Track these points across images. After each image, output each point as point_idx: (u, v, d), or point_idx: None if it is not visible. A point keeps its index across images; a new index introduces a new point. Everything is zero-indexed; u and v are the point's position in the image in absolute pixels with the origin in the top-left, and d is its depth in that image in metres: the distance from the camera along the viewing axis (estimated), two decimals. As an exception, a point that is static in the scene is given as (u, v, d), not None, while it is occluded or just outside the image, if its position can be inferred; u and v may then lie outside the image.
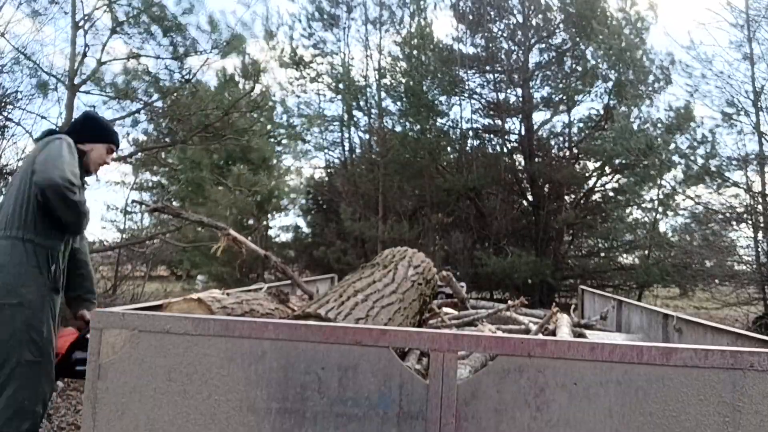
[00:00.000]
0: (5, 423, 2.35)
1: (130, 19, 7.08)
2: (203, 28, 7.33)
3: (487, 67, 15.08)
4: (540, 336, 2.83)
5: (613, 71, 12.78)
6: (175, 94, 7.75)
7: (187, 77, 7.61)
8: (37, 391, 2.43)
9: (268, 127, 14.54)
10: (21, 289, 2.41)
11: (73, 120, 2.91)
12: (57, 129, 2.87)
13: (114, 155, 2.98)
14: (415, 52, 14.40)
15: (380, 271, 2.75)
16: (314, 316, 2.10)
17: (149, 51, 7.43)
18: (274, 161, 15.02)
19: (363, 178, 15.10)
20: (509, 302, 3.56)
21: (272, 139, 14.88)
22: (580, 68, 13.55)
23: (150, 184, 16.29)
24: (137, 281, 11.01)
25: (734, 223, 10.40)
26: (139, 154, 8.97)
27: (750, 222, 9.95)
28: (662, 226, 12.68)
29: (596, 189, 14.73)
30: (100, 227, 20.09)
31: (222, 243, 3.22)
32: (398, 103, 14.90)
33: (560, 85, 14.49)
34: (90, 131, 2.84)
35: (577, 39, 13.53)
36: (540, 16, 14.70)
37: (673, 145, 11.14)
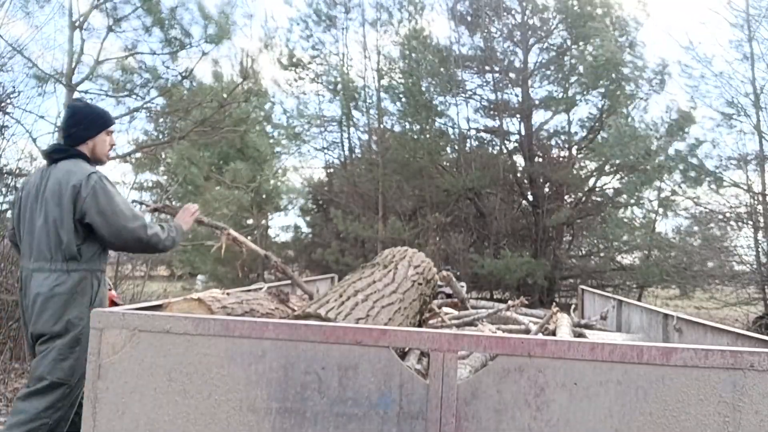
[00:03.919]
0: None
1: (125, 17, 7.13)
2: (196, 20, 7.43)
3: (486, 67, 15.07)
4: (540, 336, 2.83)
5: (609, 71, 12.78)
6: (170, 93, 7.78)
7: (183, 73, 7.64)
8: (65, 416, 2.51)
9: (268, 127, 14.56)
10: (66, 317, 2.51)
11: (62, 120, 2.84)
12: (62, 146, 2.80)
13: (114, 134, 2.96)
14: (413, 53, 14.40)
15: (380, 271, 2.75)
16: (314, 315, 2.10)
17: (145, 47, 7.49)
18: (274, 161, 15.01)
19: (362, 179, 15.11)
20: (509, 302, 3.56)
21: (271, 140, 14.88)
22: (579, 68, 13.55)
23: (150, 183, 16.28)
24: (137, 281, 10.99)
25: (734, 223, 10.41)
26: (138, 153, 8.98)
27: (750, 222, 9.95)
28: (662, 227, 12.70)
29: (596, 189, 14.74)
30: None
31: (222, 242, 3.21)
32: (397, 104, 14.89)
33: (559, 85, 14.50)
34: (85, 127, 2.77)
35: (576, 39, 13.53)
36: (538, 16, 14.70)
37: (672, 149, 11.14)
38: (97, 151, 2.80)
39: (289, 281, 3.61)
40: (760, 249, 9.87)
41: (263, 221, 14.37)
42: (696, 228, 11.63)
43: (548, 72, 14.83)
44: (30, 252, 2.60)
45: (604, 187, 14.61)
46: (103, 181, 2.59)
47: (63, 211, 2.54)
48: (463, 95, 14.87)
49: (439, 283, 3.50)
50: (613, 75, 12.72)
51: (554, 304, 3.56)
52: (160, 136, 10.07)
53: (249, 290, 2.92)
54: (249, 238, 3.56)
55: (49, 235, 2.55)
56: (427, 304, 3.10)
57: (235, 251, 3.37)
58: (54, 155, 2.71)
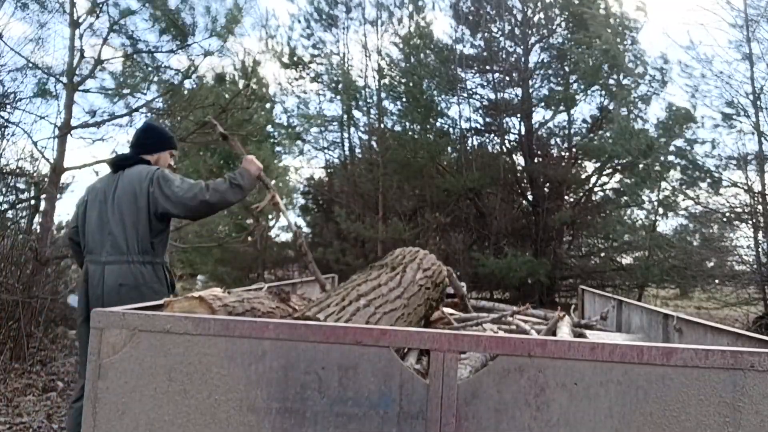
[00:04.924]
0: None
1: (127, 15, 7.12)
2: (200, 19, 7.43)
3: (487, 67, 15.07)
4: (540, 336, 2.83)
5: (609, 70, 12.79)
6: (172, 92, 7.78)
7: (185, 71, 7.64)
8: None
9: (269, 128, 14.54)
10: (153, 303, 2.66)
11: (136, 132, 3.26)
12: (128, 155, 3.12)
13: (176, 157, 3.35)
14: (414, 52, 14.39)
15: (387, 274, 2.67)
16: (314, 320, 2.09)
17: (147, 46, 7.48)
18: (275, 161, 15.01)
19: (363, 178, 15.10)
20: (514, 309, 3.54)
21: (271, 140, 14.87)
22: (579, 68, 13.54)
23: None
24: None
25: (734, 223, 10.41)
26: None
27: (750, 222, 9.95)
28: (662, 227, 12.69)
29: (596, 189, 14.73)
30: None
31: (264, 203, 3.30)
32: (398, 103, 14.90)
33: (560, 85, 14.49)
34: (155, 143, 3.16)
35: (577, 38, 13.53)
36: (540, 14, 14.70)
37: (673, 146, 11.14)
38: (160, 164, 3.14)
39: (289, 281, 3.61)
40: (760, 249, 9.87)
41: (263, 221, 14.37)
42: (695, 227, 11.63)
43: (549, 71, 14.83)
44: (102, 247, 2.86)
45: (605, 187, 14.62)
46: (162, 172, 2.91)
47: (139, 209, 2.85)
48: (463, 95, 14.87)
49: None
50: (614, 74, 12.72)
51: (559, 308, 3.54)
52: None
53: (250, 290, 2.92)
54: (251, 238, 3.62)
55: (125, 231, 2.83)
56: (434, 309, 3.03)
57: (236, 251, 3.39)
58: (121, 163, 3.03)
